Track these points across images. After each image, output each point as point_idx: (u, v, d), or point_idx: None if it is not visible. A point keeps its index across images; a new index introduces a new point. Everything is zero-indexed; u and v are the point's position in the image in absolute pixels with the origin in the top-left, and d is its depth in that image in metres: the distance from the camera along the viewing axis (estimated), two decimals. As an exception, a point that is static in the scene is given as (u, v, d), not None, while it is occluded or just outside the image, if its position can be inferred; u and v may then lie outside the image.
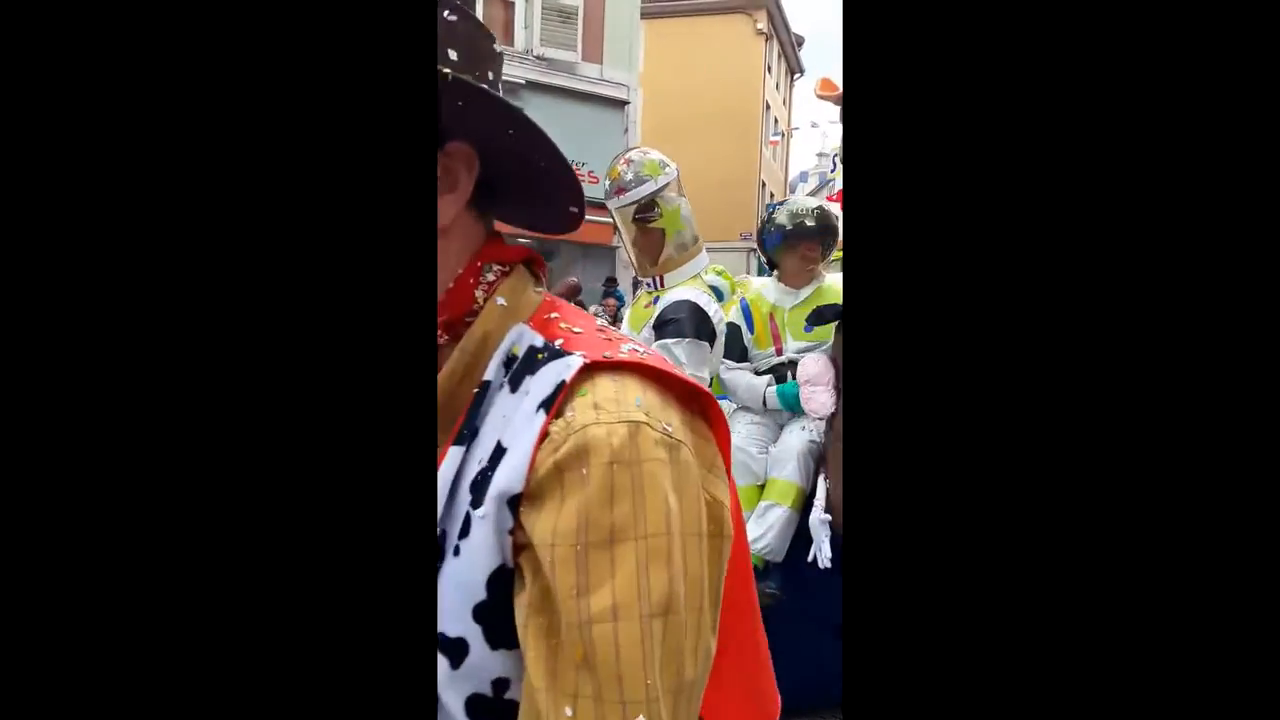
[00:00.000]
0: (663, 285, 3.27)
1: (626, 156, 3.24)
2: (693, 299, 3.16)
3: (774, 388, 3.35)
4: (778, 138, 28.48)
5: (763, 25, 25.21)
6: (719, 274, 4.36)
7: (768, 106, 26.82)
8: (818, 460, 3.07)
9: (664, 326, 3.13)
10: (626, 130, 16.09)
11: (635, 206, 3.11)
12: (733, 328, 3.50)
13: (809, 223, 3.43)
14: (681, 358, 3.10)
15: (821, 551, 2.86)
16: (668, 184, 3.20)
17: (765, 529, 3.07)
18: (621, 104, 15.72)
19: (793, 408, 3.25)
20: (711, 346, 3.23)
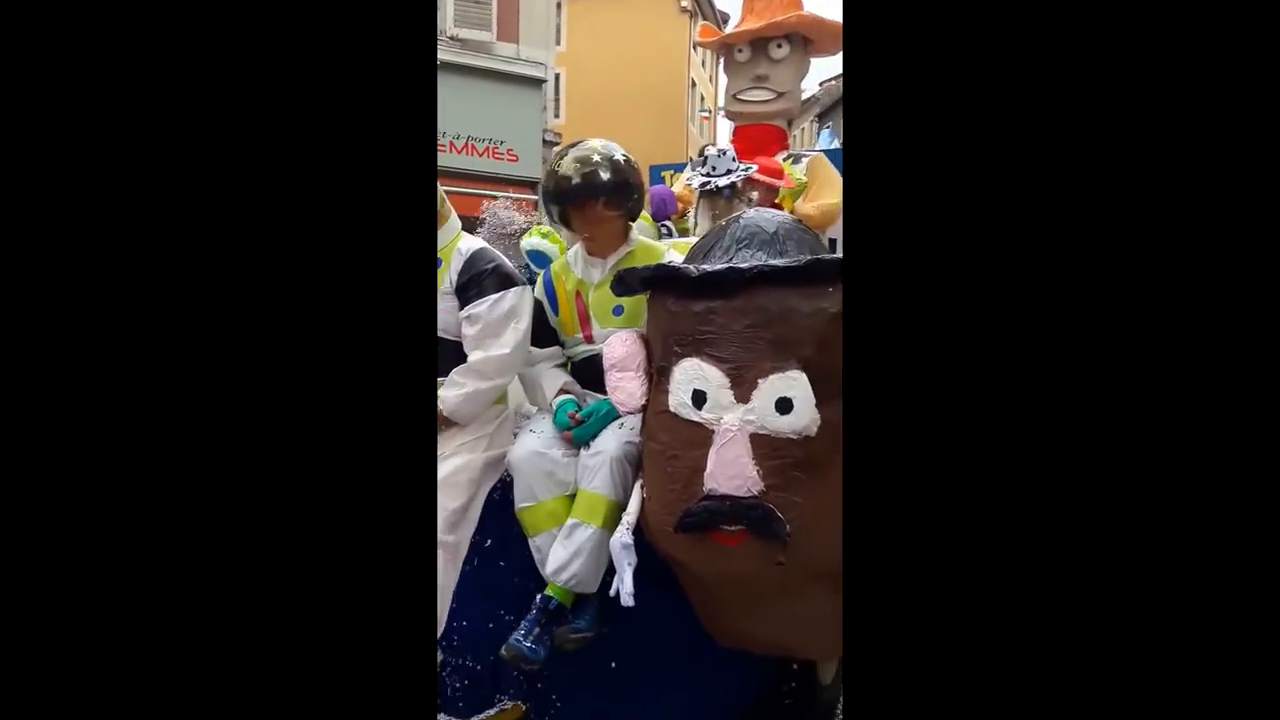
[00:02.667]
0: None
1: None
2: (478, 245, 2.76)
3: (560, 399, 2.74)
4: (706, 113, 28.01)
5: (686, 2, 24.71)
6: (545, 236, 3.74)
7: (693, 84, 26.43)
8: (636, 466, 2.47)
9: (475, 283, 2.67)
10: (545, 108, 15.68)
11: None
12: (537, 306, 2.87)
13: (603, 174, 2.67)
14: (522, 309, 2.69)
15: (622, 584, 2.26)
16: None
17: (571, 554, 2.47)
18: (539, 82, 15.22)
19: (581, 439, 2.65)
20: None
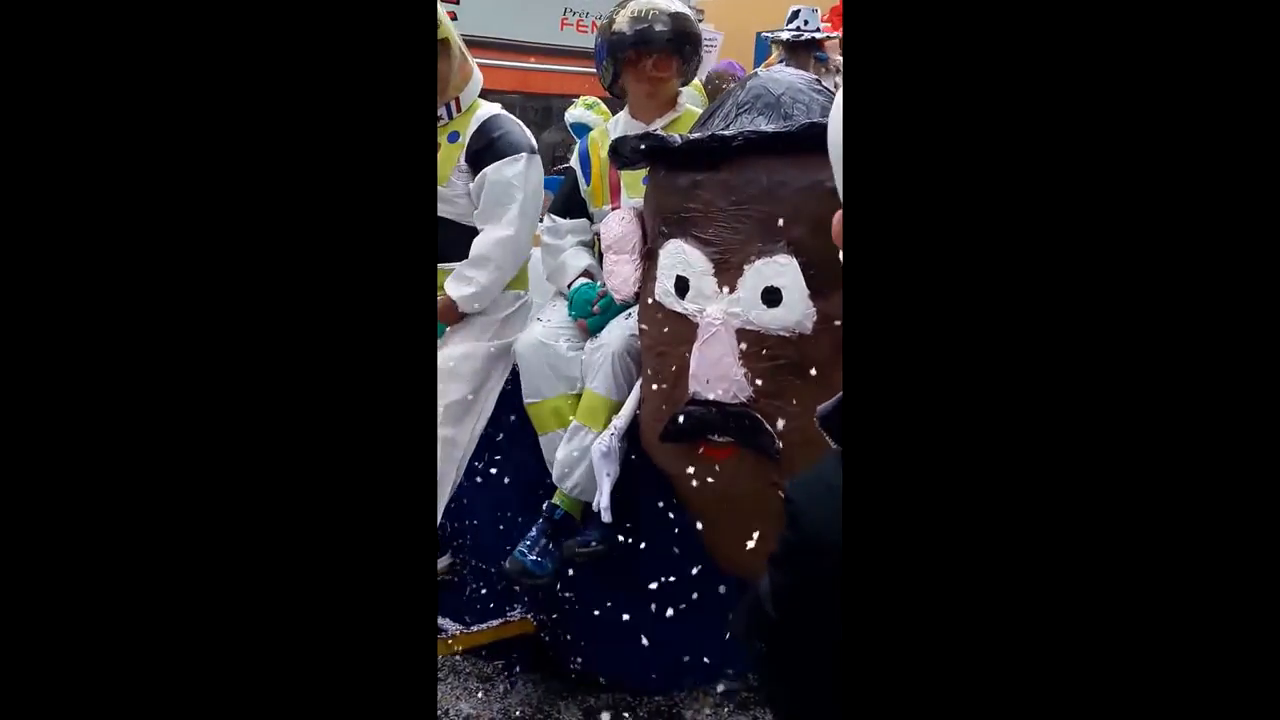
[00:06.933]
0: (459, 110, 2.54)
1: None
2: (490, 113, 2.55)
3: (579, 282, 2.45)
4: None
5: None
6: (590, 107, 3.44)
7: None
8: (639, 361, 2.20)
9: (487, 150, 2.46)
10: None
11: None
12: (569, 174, 2.62)
13: (658, 28, 2.39)
14: (528, 178, 2.46)
15: (601, 495, 2.03)
16: None
17: (573, 460, 2.24)
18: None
19: (596, 329, 2.38)
20: None
